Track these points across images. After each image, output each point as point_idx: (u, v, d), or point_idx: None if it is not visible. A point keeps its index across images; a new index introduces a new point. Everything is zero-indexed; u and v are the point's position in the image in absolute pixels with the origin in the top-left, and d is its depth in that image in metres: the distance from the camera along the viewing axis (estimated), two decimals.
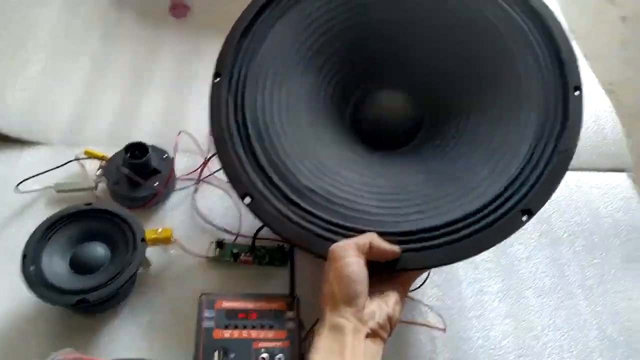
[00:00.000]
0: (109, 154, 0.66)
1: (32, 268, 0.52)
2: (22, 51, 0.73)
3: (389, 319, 0.45)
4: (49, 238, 0.55)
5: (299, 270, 0.58)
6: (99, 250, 0.55)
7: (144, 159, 0.62)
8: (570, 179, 0.73)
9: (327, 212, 0.49)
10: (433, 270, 0.60)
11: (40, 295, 0.51)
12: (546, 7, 0.55)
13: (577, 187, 0.73)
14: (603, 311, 0.62)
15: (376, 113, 0.59)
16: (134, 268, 0.54)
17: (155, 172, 0.64)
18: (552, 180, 0.49)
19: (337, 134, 0.57)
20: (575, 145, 0.50)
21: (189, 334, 0.51)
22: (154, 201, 0.63)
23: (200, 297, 0.53)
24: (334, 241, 0.47)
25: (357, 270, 0.44)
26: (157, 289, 0.58)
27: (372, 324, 0.44)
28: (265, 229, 0.58)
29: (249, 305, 0.53)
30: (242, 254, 0.60)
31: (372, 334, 0.44)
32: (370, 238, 0.46)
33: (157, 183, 0.63)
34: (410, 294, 0.54)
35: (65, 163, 0.65)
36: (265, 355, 0.50)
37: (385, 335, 0.45)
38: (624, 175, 0.76)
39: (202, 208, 0.65)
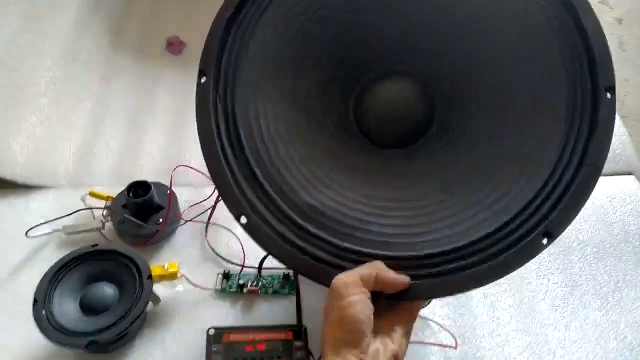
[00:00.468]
0: (114, 192, 0.67)
1: (43, 312, 0.53)
2: (24, 99, 0.75)
3: (395, 357, 0.41)
4: (59, 281, 0.55)
5: (306, 298, 0.58)
6: (107, 290, 0.56)
7: (146, 197, 0.62)
8: None
9: (330, 232, 0.44)
10: None
11: (51, 338, 0.52)
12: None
13: None
14: (620, 320, 0.61)
15: (380, 104, 0.52)
16: (142, 306, 0.54)
17: (160, 208, 0.65)
18: (576, 200, 0.43)
19: (339, 135, 0.51)
20: (604, 159, 0.43)
21: None
22: (157, 237, 0.64)
23: (207, 331, 0.53)
24: (337, 266, 0.43)
25: (361, 309, 0.40)
26: (166, 325, 0.59)
27: None
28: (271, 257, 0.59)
29: (257, 336, 0.53)
30: (249, 284, 0.60)
31: None
32: (376, 269, 0.42)
33: (161, 219, 0.63)
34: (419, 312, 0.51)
35: (73, 212, 0.65)
36: None
37: None
38: (631, 178, 0.75)
39: (208, 240, 0.65)
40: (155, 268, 0.58)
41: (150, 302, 0.56)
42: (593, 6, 0.46)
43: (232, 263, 0.63)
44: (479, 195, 0.45)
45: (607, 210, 0.71)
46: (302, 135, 0.48)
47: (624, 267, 0.65)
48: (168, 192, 0.66)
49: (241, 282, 0.60)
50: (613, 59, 0.46)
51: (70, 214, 0.65)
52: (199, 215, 0.67)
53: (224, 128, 0.46)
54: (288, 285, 0.60)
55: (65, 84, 0.80)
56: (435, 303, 0.60)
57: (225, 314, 0.59)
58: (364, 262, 0.43)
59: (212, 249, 0.64)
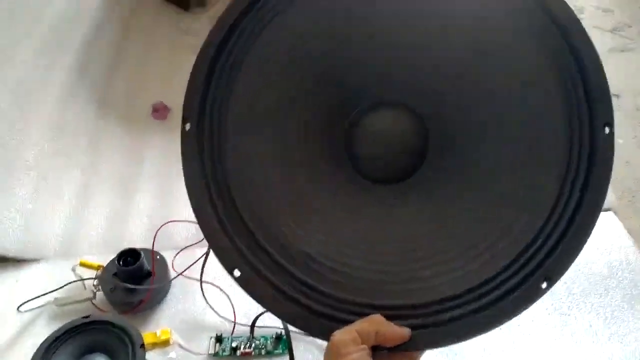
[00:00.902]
0: (106, 260, 0.67)
1: None
2: (14, 174, 0.76)
3: None
4: (52, 355, 0.55)
5: (299, 357, 0.58)
6: None
7: (136, 265, 0.63)
8: None
9: (324, 281, 0.43)
10: None
11: None
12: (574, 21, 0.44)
13: None
14: (613, 356, 0.61)
15: (370, 138, 0.49)
16: None
17: (151, 274, 0.65)
18: (577, 241, 0.41)
19: (332, 174, 0.49)
20: (603, 197, 0.42)
21: None
22: (147, 304, 0.64)
23: None
24: (333, 318, 0.42)
25: None
26: None
27: None
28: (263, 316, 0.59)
29: None
30: (242, 347, 0.60)
31: None
32: (376, 325, 0.40)
33: (152, 286, 0.64)
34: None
35: (64, 285, 0.66)
36: None
37: None
38: (610, 214, 0.77)
39: (199, 303, 0.66)
40: (148, 336, 0.59)
41: None
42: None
43: (225, 319, 0.63)
44: (476, 238, 0.44)
45: (590, 248, 0.72)
46: (294, 178, 0.47)
47: (611, 302, 0.66)
48: (158, 257, 0.67)
49: (234, 344, 0.60)
50: None
51: (62, 287, 0.65)
52: (185, 270, 0.67)
53: (211, 177, 0.45)
54: (281, 345, 0.60)
55: (54, 155, 0.82)
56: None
57: None
58: (360, 313, 0.42)
59: (210, 305, 0.64)
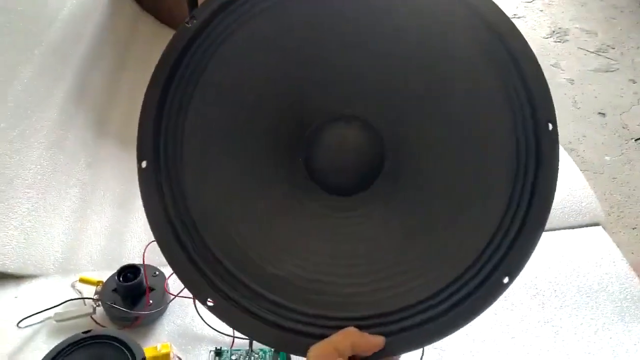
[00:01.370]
0: (105, 276, 0.68)
1: None
2: (12, 191, 0.77)
3: None
4: None
5: None
6: None
7: (136, 280, 0.64)
8: (547, 239, 0.75)
9: (295, 300, 0.44)
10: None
11: None
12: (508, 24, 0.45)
13: (555, 247, 0.76)
14: None
15: (328, 151, 0.50)
16: None
17: (151, 289, 0.66)
18: (532, 236, 0.43)
19: (294, 191, 0.49)
20: (552, 193, 0.44)
21: None
22: (146, 319, 0.65)
23: None
24: (308, 334, 0.43)
25: None
26: None
27: None
28: None
29: None
30: None
31: None
32: (351, 337, 0.42)
33: (152, 301, 0.65)
34: None
35: (64, 302, 0.66)
36: None
37: None
38: (599, 228, 0.79)
39: (198, 317, 0.66)
40: (149, 350, 0.59)
41: None
42: (546, 69, 0.48)
43: (224, 334, 0.64)
44: (438, 242, 0.45)
45: (580, 262, 0.74)
46: (257, 201, 0.48)
47: (602, 315, 0.68)
48: (156, 273, 0.68)
49: (234, 357, 0.61)
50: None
51: (62, 303, 0.66)
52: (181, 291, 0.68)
53: (173, 211, 0.45)
54: (281, 358, 0.61)
55: (52, 174, 0.83)
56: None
57: None
58: (334, 326, 0.43)
59: (206, 322, 0.65)
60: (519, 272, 0.43)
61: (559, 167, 0.44)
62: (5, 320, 0.66)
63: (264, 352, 0.62)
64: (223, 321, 0.44)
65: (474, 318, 0.43)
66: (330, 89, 0.49)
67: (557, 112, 0.44)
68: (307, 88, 0.49)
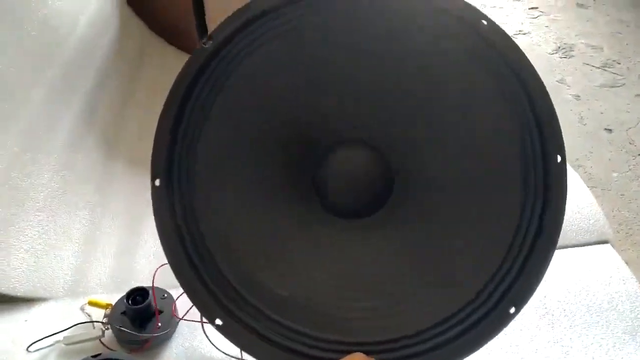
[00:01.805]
0: (114, 299, 0.68)
1: None
2: (23, 214, 0.78)
3: None
4: None
5: None
6: None
7: (145, 303, 0.64)
8: (555, 257, 0.74)
9: (303, 322, 0.45)
10: None
11: None
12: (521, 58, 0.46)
13: (564, 265, 0.75)
14: None
15: (337, 175, 0.51)
16: None
17: (160, 312, 0.67)
18: (538, 267, 0.44)
19: (304, 214, 0.50)
20: (559, 225, 0.45)
21: None
22: (154, 342, 0.65)
23: None
24: (314, 357, 0.44)
25: None
26: None
27: None
28: None
29: None
30: None
31: None
32: None
33: (160, 324, 0.65)
34: None
35: (73, 325, 0.67)
36: None
37: None
38: (607, 246, 0.78)
39: (206, 339, 0.66)
40: None
41: None
42: (551, 85, 0.50)
43: (233, 357, 0.63)
44: (446, 269, 0.46)
45: (589, 280, 0.74)
46: (267, 223, 0.48)
47: (613, 336, 0.67)
48: (164, 295, 0.68)
49: None
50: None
51: (71, 326, 0.66)
52: (186, 314, 0.68)
53: (185, 230, 0.46)
54: None
55: (63, 196, 0.84)
56: None
57: None
58: (341, 350, 0.43)
59: (214, 345, 0.65)
60: (525, 303, 0.44)
61: (566, 196, 0.45)
62: (15, 344, 0.66)
63: None
64: (231, 341, 0.45)
65: (480, 347, 0.44)
66: (340, 112, 0.50)
67: (563, 128, 0.45)
68: (317, 112, 0.50)
